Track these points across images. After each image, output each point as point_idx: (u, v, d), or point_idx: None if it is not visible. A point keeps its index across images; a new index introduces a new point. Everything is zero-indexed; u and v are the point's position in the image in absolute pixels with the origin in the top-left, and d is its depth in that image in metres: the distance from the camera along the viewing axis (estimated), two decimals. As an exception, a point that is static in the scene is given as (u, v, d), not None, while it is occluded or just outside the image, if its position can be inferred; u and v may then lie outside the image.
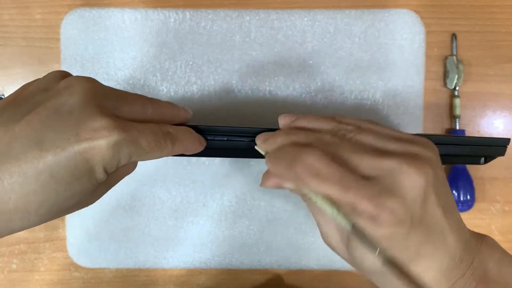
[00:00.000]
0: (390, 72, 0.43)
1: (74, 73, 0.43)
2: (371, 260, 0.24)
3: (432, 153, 0.25)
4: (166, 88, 0.43)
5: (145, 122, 0.26)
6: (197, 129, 0.30)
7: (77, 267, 0.45)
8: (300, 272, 0.45)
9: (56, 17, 0.43)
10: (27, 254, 0.45)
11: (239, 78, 0.43)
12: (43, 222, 0.24)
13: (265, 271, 0.45)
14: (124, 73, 0.43)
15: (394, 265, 0.23)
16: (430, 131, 0.44)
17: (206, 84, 0.43)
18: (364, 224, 0.23)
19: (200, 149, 0.30)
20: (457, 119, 0.43)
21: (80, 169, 0.23)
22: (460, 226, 0.26)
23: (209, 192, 0.44)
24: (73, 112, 0.23)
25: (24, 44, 0.44)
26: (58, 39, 0.43)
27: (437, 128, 0.44)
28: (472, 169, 0.44)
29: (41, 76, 0.44)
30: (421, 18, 0.43)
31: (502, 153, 0.33)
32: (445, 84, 0.44)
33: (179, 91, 0.43)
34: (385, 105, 0.43)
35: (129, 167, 0.29)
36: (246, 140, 0.31)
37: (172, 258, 0.45)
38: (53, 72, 0.27)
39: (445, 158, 0.33)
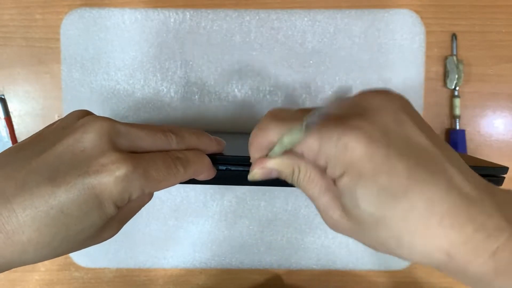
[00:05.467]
0: (390, 72, 0.43)
1: (74, 73, 0.43)
2: (366, 199, 0.22)
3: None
4: (166, 88, 0.43)
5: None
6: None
7: (77, 267, 0.45)
8: (300, 272, 0.45)
9: (56, 17, 0.43)
10: (27, 254, 0.45)
11: (239, 78, 0.43)
12: (58, 256, 0.25)
13: (265, 271, 0.45)
14: (124, 73, 0.43)
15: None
16: (430, 131, 0.44)
17: (206, 84, 0.43)
18: (337, 150, 0.22)
19: (213, 173, 0.29)
20: (457, 119, 0.43)
21: (89, 204, 0.23)
22: (466, 167, 0.23)
23: (209, 192, 0.44)
24: (85, 149, 0.24)
25: (24, 44, 0.44)
26: (58, 39, 0.43)
27: (437, 128, 0.44)
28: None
29: (40, 76, 0.44)
30: (421, 18, 0.43)
31: (500, 183, 0.29)
32: (445, 84, 0.44)
33: (179, 91, 0.43)
34: (385, 105, 0.43)
35: (144, 199, 0.29)
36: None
37: (172, 258, 0.45)
38: (74, 111, 0.28)
39: None
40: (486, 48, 0.44)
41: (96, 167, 0.23)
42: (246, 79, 0.43)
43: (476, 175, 0.23)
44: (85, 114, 0.27)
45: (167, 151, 0.27)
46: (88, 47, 0.43)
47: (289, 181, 0.26)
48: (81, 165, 0.23)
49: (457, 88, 0.43)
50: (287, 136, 0.23)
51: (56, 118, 0.44)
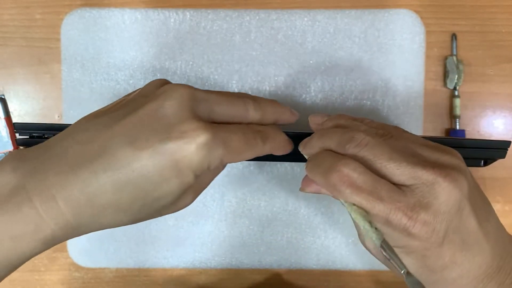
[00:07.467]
0: (390, 72, 0.43)
1: (74, 73, 0.43)
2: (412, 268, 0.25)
3: (461, 161, 0.26)
4: (166, 88, 0.43)
5: (243, 123, 0.27)
6: None
7: (77, 267, 0.45)
8: (300, 272, 0.45)
9: (56, 17, 0.43)
10: (27, 254, 0.45)
11: (239, 78, 0.43)
12: (133, 222, 0.26)
13: (265, 271, 0.45)
14: (124, 73, 0.43)
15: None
16: (430, 131, 0.44)
17: (206, 84, 0.43)
18: (397, 236, 0.24)
19: (290, 148, 0.29)
20: (457, 119, 0.43)
21: (169, 170, 0.23)
22: (497, 233, 0.26)
23: (209, 192, 0.44)
24: (166, 115, 0.24)
25: (24, 44, 0.44)
26: (58, 39, 0.43)
27: (437, 128, 0.44)
28: (472, 169, 0.44)
29: (40, 76, 0.44)
30: (421, 18, 0.43)
31: (503, 155, 0.32)
32: (445, 84, 0.44)
33: (179, 91, 0.43)
34: (385, 105, 0.43)
35: (220, 169, 0.29)
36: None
37: (172, 258, 0.45)
38: (154, 80, 0.28)
39: None
40: (486, 48, 0.44)
41: (177, 133, 0.23)
42: (246, 79, 0.43)
43: (502, 232, 0.27)
44: (164, 82, 0.28)
45: (246, 124, 0.27)
46: (88, 47, 0.43)
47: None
48: (162, 131, 0.23)
49: (457, 88, 0.43)
50: (358, 214, 0.25)
51: (56, 118, 0.44)
